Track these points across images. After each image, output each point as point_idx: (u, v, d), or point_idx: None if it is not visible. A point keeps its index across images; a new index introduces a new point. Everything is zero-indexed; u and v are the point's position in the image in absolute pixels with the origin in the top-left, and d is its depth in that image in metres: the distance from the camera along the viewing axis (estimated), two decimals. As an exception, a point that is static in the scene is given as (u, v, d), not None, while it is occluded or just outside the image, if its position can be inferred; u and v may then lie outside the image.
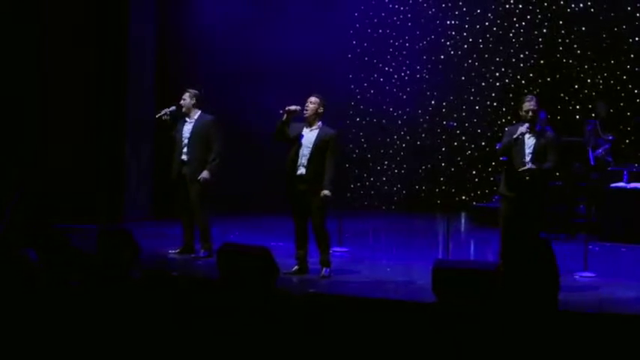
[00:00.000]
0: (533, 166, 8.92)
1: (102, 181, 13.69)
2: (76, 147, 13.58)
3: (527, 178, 8.97)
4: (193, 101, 10.89)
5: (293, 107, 9.64)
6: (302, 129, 9.70)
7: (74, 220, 12.56)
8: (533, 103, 9.06)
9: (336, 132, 9.81)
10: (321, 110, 9.71)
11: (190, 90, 10.99)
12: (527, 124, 8.97)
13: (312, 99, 9.72)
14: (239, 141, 14.32)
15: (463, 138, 16.74)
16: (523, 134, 8.95)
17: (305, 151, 9.61)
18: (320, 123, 9.73)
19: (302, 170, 9.60)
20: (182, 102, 10.89)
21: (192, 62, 14.36)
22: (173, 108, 10.91)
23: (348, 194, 16.86)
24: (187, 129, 10.82)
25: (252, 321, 6.84)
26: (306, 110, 9.67)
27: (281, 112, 9.66)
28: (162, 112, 10.88)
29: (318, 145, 9.59)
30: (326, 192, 9.56)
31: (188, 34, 14.39)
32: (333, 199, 9.70)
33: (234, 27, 14.99)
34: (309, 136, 9.65)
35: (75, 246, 9.53)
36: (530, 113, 9.01)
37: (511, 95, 15.99)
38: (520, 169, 8.94)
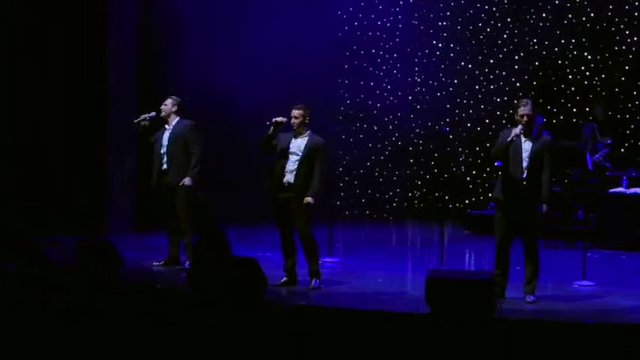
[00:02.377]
0: (546, 208, 9.01)
1: (82, 191, 13.67)
2: (54, 154, 13.55)
3: (524, 185, 9.01)
4: (174, 108, 10.90)
5: (279, 119, 9.72)
6: (290, 138, 9.76)
7: (52, 231, 12.52)
8: (528, 107, 9.09)
9: (324, 141, 9.87)
10: (307, 119, 9.78)
11: (173, 97, 11.02)
12: (520, 126, 9.01)
13: (295, 112, 9.79)
14: (223, 147, 14.34)
15: (457, 143, 16.78)
16: (517, 136, 8.99)
17: (293, 158, 9.67)
18: (309, 131, 9.78)
19: (289, 178, 9.66)
20: (163, 107, 10.90)
21: (177, 64, 14.31)
22: (153, 114, 10.93)
23: (338, 202, 16.88)
24: (166, 136, 10.84)
25: (239, 336, 6.85)
26: (294, 124, 9.79)
27: (267, 123, 9.75)
28: (141, 117, 10.92)
29: (308, 153, 9.64)
30: (308, 199, 9.60)
31: (171, 34, 14.35)
32: (317, 207, 9.73)
33: (220, 27, 15.01)
34: (298, 143, 9.71)
35: (53, 259, 9.53)
36: (525, 118, 9.04)
37: (506, 98, 16.05)
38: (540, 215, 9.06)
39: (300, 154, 9.67)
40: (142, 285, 9.35)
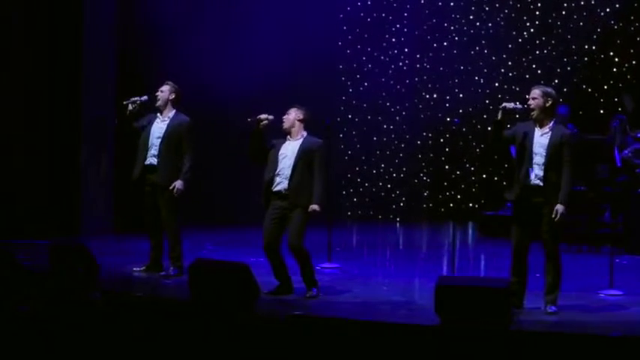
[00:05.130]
0: (562, 210, 8.96)
1: (54, 190, 13.70)
2: (24, 151, 13.57)
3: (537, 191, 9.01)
4: (172, 96, 10.79)
5: (264, 115, 9.69)
6: (282, 142, 9.74)
7: (22, 234, 12.56)
8: (537, 91, 9.10)
9: (322, 142, 9.84)
10: (300, 117, 9.75)
11: (171, 83, 10.88)
12: (518, 103, 9.09)
13: (290, 111, 9.78)
14: (212, 143, 14.36)
15: (470, 137, 16.82)
16: (512, 109, 9.06)
17: (287, 164, 9.63)
18: (304, 132, 9.77)
19: (282, 184, 9.62)
20: (159, 94, 10.80)
21: (159, 51, 14.34)
22: (145, 97, 10.82)
23: (339, 202, 16.91)
24: (159, 128, 10.74)
25: (230, 348, 6.89)
26: (283, 122, 9.75)
27: (249, 120, 9.71)
28: (131, 99, 10.81)
29: (302, 157, 9.62)
30: (315, 207, 9.60)
31: (153, 22, 14.35)
32: (319, 213, 9.75)
33: (209, 11, 15.03)
34: (291, 146, 9.68)
35: (23, 264, 9.57)
36: (530, 101, 9.06)
37: (527, 87, 16.04)
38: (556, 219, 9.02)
39: (294, 157, 9.62)
40: (120, 293, 9.38)
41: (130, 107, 10.79)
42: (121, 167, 13.31)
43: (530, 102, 9.09)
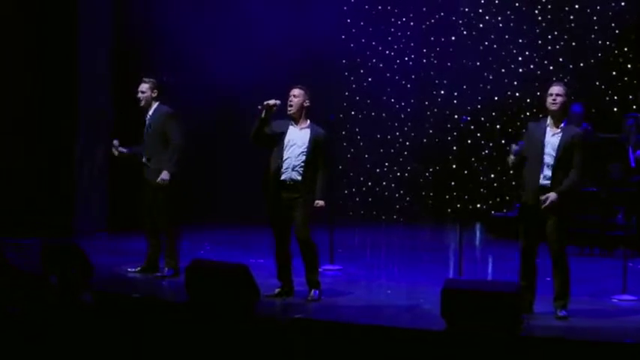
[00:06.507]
0: (553, 197, 8.96)
1: (47, 187, 13.71)
2: (16, 146, 13.59)
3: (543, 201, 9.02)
4: (154, 93, 10.85)
5: (272, 101, 9.66)
6: (286, 127, 9.70)
7: (13, 233, 12.57)
8: (559, 87, 9.11)
9: (326, 133, 9.86)
10: (307, 104, 9.74)
11: (147, 79, 10.92)
12: (515, 149, 9.19)
13: (296, 91, 9.74)
14: (213, 142, 14.37)
15: (478, 135, 16.83)
16: (516, 154, 9.15)
17: (295, 153, 9.59)
18: (308, 121, 9.76)
19: (293, 176, 9.59)
20: (140, 95, 10.85)
21: (156, 41, 14.33)
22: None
23: (341, 202, 16.92)
24: (146, 126, 10.85)
25: (228, 352, 6.90)
26: (290, 106, 9.71)
27: (259, 107, 9.69)
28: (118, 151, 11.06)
29: (313, 147, 9.61)
30: (321, 203, 9.61)
31: (152, 12, 14.35)
32: (322, 209, 9.76)
33: (209, 7, 15.02)
34: (300, 135, 9.65)
35: (14, 264, 9.57)
36: (556, 98, 9.05)
37: (537, 84, 16.05)
38: (542, 200, 9.01)
39: (305, 147, 9.61)
40: (115, 295, 9.38)
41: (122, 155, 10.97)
42: (116, 163, 13.28)
43: (556, 99, 9.09)
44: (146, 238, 10.97)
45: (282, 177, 9.61)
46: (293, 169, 9.61)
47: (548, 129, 9.11)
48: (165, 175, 10.63)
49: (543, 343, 7.90)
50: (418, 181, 17.18)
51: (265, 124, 9.64)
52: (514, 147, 9.30)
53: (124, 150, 10.98)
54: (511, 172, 9.25)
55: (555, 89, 9.11)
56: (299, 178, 9.60)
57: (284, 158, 9.61)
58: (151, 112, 10.85)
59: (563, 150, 9.03)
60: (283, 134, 9.65)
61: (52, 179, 13.77)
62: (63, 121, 13.79)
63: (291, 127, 9.70)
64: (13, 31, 13.58)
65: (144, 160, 10.84)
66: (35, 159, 13.68)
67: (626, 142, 13.83)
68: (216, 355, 6.59)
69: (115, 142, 11.01)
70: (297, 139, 9.63)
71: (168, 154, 10.70)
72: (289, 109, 9.70)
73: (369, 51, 17.18)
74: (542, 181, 9.06)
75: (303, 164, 9.60)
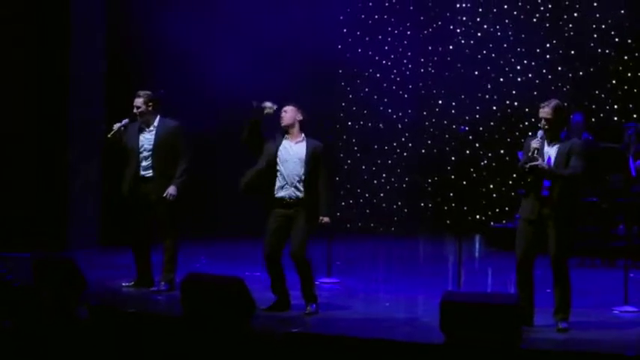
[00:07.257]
0: (543, 165, 8.94)
1: (39, 200, 13.70)
2: (8, 159, 13.58)
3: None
4: (150, 107, 10.83)
5: (269, 104, 9.67)
6: (280, 141, 9.68)
7: (5, 247, 12.56)
8: (546, 109, 9.11)
9: (323, 146, 9.84)
10: (300, 117, 9.73)
11: (142, 93, 10.89)
12: (540, 133, 9.07)
13: (286, 108, 9.73)
14: (207, 153, 14.36)
15: (477, 145, 16.84)
16: (537, 151, 9.04)
17: (291, 168, 9.58)
18: (303, 134, 9.74)
19: (293, 192, 9.57)
20: (136, 110, 10.82)
21: (153, 52, 14.33)
22: (126, 121, 10.83)
23: (338, 214, 16.90)
24: (147, 139, 10.75)
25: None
26: (282, 120, 9.70)
27: (254, 104, 9.66)
28: (115, 127, 10.81)
29: (311, 161, 9.60)
30: (326, 219, 9.64)
31: (145, 18, 14.33)
32: (329, 225, 9.79)
33: (205, 15, 15.02)
34: (296, 149, 9.63)
35: (6, 278, 9.57)
36: (543, 122, 9.09)
37: (536, 93, 16.08)
38: (527, 165, 8.98)
39: (303, 162, 9.59)
40: (109, 309, 9.38)
41: (116, 136, 10.79)
42: (110, 175, 13.28)
43: (545, 122, 9.11)
44: (133, 253, 10.94)
45: (281, 194, 9.61)
46: (292, 186, 9.60)
47: (546, 140, 9.14)
48: (172, 189, 10.62)
49: (544, 355, 7.90)
50: (416, 193, 17.18)
51: (257, 126, 9.63)
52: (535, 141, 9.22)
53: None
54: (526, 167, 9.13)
55: (541, 113, 9.15)
56: (300, 194, 9.59)
57: (284, 175, 9.60)
58: (155, 126, 10.79)
59: (559, 160, 9.06)
60: (275, 148, 9.64)
61: (44, 193, 13.74)
62: (54, 133, 13.77)
63: (285, 142, 9.68)
64: (3, 42, 13.57)
65: (144, 173, 10.78)
66: (27, 172, 13.66)
67: (627, 151, 13.85)
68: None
69: (125, 120, 10.89)
70: (293, 154, 9.62)
71: (179, 168, 10.69)
72: (282, 121, 9.70)
73: (366, 61, 17.20)
74: (542, 192, 9.09)
75: (302, 180, 9.59)
